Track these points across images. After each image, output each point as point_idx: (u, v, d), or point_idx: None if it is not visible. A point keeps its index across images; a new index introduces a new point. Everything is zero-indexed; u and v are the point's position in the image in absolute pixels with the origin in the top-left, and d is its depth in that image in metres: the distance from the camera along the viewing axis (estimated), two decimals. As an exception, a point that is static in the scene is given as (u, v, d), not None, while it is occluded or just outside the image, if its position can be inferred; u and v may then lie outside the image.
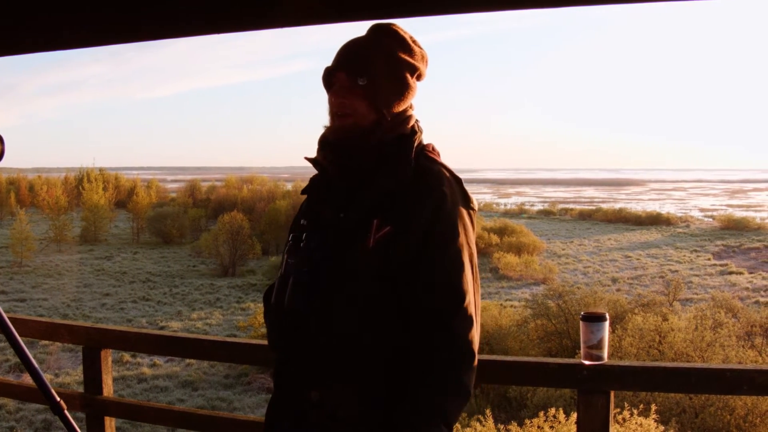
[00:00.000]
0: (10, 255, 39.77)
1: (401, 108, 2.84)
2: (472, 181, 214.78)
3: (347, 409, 2.67)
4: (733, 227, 54.94)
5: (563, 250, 45.44)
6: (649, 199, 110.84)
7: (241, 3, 4.18)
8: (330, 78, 2.80)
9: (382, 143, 2.78)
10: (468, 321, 2.70)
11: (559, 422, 8.34)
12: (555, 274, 35.19)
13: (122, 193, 65.33)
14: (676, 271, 37.28)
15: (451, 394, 2.63)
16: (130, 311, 27.70)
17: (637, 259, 41.61)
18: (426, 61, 2.92)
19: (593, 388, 3.49)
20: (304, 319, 2.74)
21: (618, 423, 8.29)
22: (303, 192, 3.06)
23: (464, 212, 2.80)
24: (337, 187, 2.83)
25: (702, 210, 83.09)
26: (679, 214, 69.26)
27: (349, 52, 2.80)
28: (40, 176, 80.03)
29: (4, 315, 4.17)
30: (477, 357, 2.73)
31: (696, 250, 44.47)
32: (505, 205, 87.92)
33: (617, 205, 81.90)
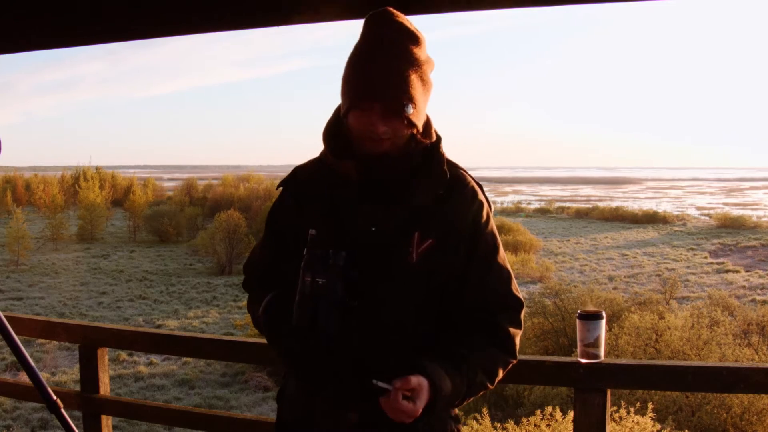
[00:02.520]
0: (6, 254, 39.76)
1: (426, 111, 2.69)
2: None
3: (393, 426, 2.55)
4: (730, 225, 55.02)
5: (560, 248, 45.50)
6: (646, 198, 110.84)
7: (237, 1, 4.19)
8: (364, 102, 2.52)
9: (413, 153, 2.64)
10: (518, 327, 2.71)
11: (556, 420, 8.35)
12: (551, 273, 35.21)
13: (119, 191, 65.29)
14: (673, 269, 37.36)
15: (481, 376, 2.62)
16: (127, 310, 27.73)
17: (634, 257, 41.67)
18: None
19: (590, 387, 3.49)
20: (340, 342, 2.57)
21: (615, 421, 8.30)
22: (283, 185, 2.91)
23: (493, 218, 2.78)
24: (365, 198, 2.64)
25: (699, 208, 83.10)
26: (676, 213, 69.46)
27: (387, 77, 2.51)
28: (36, 175, 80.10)
29: (1, 314, 4.17)
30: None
31: (692, 249, 44.54)
32: (502, 203, 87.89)
33: (614, 204, 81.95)
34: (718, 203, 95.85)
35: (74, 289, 31.67)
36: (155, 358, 19.91)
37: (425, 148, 2.68)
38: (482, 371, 2.62)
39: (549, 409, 8.59)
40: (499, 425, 9.30)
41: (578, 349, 3.51)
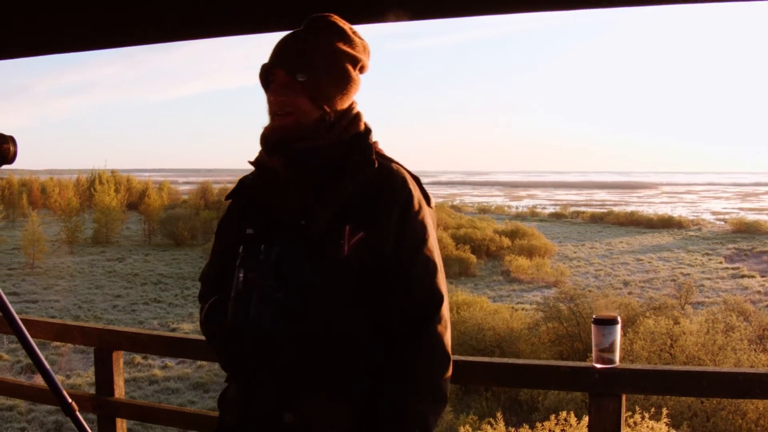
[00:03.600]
0: (22, 256, 39.89)
1: (345, 103, 2.71)
2: (482, 184, 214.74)
3: (330, 427, 2.60)
4: (745, 230, 54.90)
5: (575, 253, 45.47)
6: (661, 202, 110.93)
7: (253, 6, 4.20)
8: (268, 76, 2.66)
9: (338, 144, 2.67)
10: (444, 325, 2.64)
11: (571, 425, 8.34)
12: (566, 277, 35.23)
13: (134, 195, 65.42)
14: (688, 274, 37.29)
15: (430, 401, 2.58)
16: (142, 313, 27.80)
17: (649, 262, 41.62)
18: (368, 52, 2.77)
19: (605, 392, 3.48)
20: (272, 338, 2.58)
21: (629, 426, 8.29)
22: (230, 197, 2.97)
23: (429, 210, 2.75)
24: (294, 192, 2.68)
25: (714, 213, 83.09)
26: (691, 218, 69.30)
27: (286, 47, 2.66)
28: (52, 178, 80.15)
29: (17, 316, 4.19)
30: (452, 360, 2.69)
31: (708, 254, 44.48)
32: (517, 207, 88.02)
33: (629, 208, 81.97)
34: (733, 208, 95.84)
35: (89, 292, 31.76)
36: (170, 362, 19.94)
37: (351, 138, 2.70)
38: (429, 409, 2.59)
39: (563, 414, 8.60)
40: (513, 430, 9.31)
41: (593, 354, 3.50)
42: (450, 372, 2.67)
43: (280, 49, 2.66)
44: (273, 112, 2.63)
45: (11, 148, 4.06)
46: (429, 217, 2.73)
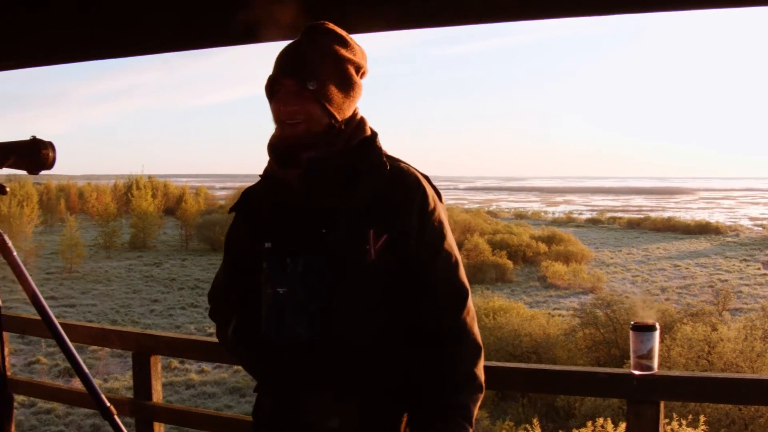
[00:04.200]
0: (60, 261, 40.07)
1: (351, 109, 2.73)
2: (519, 189, 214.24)
3: (372, 429, 2.65)
4: (783, 237, 54.45)
5: (611, 258, 45.22)
6: (698, 208, 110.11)
7: (291, 14, 4.21)
8: (274, 86, 2.65)
9: (348, 149, 2.69)
10: (472, 316, 2.72)
11: (607, 432, 8.30)
12: (603, 283, 34.98)
13: (171, 200, 65.57)
14: (726, 280, 36.98)
15: (469, 391, 2.63)
16: (179, 317, 27.84)
17: (686, 268, 41.31)
18: (366, 58, 2.79)
19: (643, 399, 3.47)
20: (310, 348, 2.60)
21: (667, 434, 8.23)
22: (236, 209, 2.96)
23: (442, 206, 2.79)
24: (311, 202, 2.67)
25: (752, 219, 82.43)
26: (729, 223, 68.81)
27: (292, 56, 2.64)
28: (89, 183, 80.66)
29: (56, 320, 4.21)
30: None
31: (746, 260, 44.12)
32: (553, 213, 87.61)
33: (666, 214, 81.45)
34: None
35: (126, 297, 31.86)
36: (206, 366, 19.98)
37: (360, 143, 2.72)
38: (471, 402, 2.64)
39: (600, 420, 8.56)
40: (549, 436, 9.28)
41: (631, 361, 3.49)
42: (483, 360, 2.71)
43: (286, 58, 2.64)
44: (281, 121, 2.62)
45: (50, 154, 4.09)
46: (444, 213, 2.78)
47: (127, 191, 61.97)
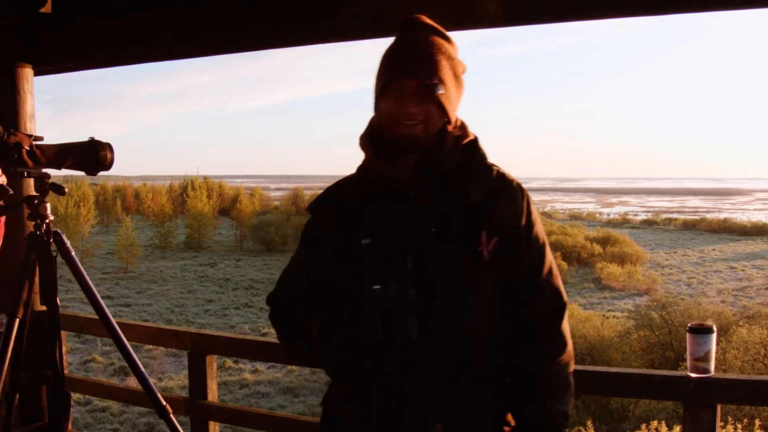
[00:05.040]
0: (116, 261, 40.42)
1: (458, 108, 2.69)
2: (574, 190, 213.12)
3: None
4: (842, 238, 53.80)
5: (667, 260, 44.86)
6: (755, 209, 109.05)
7: (344, 14, 4.23)
8: (390, 84, 2.56)
9: (456, 150, 2.65)
10: (567, 322, 2.75)
11: (662, 435, 8.25)
12: (658, 285, 34.73)
13: (226, 200, 65.81)
14: (783, 282, 36.61)
15: (567, 396, 2.68)
16: (233, 317, 27.95)
17: (743, 270, 40.90)
18: None
19: (700, 402, 3.44)
20: (419, 349, 2.52)
21: (723, 437, 8.16)
22: (320, 207, 2.87)
23: (538, 212, 2.81)
24: (421, 200, 2.62)
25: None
26: (787, 225, 67.96)
27: (412, 55, 2.56)
28: (145, 184, 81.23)
29: (113, 321, 4.26)
30: None
31: (803, 261, 43.63)
32: (608, 214, 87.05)
33: (722, 215, 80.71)
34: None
35: (181, 297, 32.06)
36: (260, 366, 20.06)
37: (466, 145, 2.69)
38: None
39: (655, 423, 8.51)
40: (604, 439, 9.24)
41: (688, 363, 3.46)
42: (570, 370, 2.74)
43: (405, 57, 2.58)
44: (399, 120, 2.56)
45: (108, 155, 4.14)
46: (540, 219, 2.79)
47: (182, 192, 62.38)
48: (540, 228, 2.77)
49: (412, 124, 2.54)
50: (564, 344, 2.71)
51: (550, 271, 2.75)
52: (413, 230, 2.59)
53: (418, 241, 2.57)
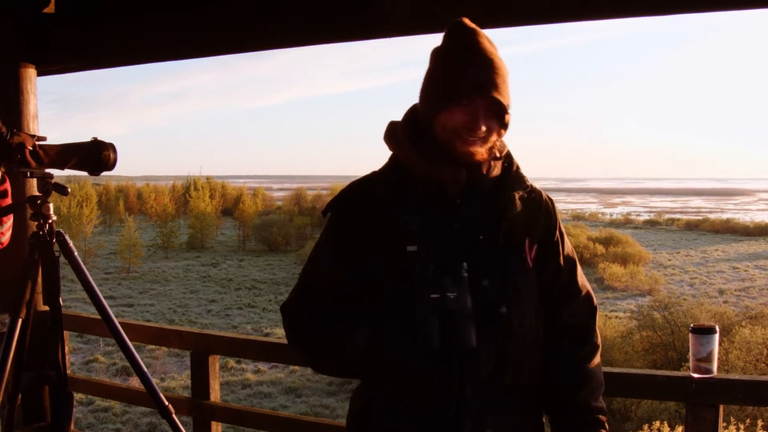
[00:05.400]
0: (118, 261, 40.47)
1: None
2: (576, 191, 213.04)
3: None
4: None
5: (669, 260, 44.82)
6: (758, 210, 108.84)
7: (350, 13, 4.24)
8: (467, 96, 2.46)
9: (498, 160, 2.64)
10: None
11: (665, 435, 8.25)
12: (661, 285, 34.68)
13: (228, 201, 65.84)
14: (786, 282, 36.58)
15: (601, 394, 2.75)
16: (236, 318, 27.96)
17: (745, 270, 40.85)
18: None
19: (702, 402, 3.45)
20: (478, 356, 2.50)
21: (725, 437, 8.16)
22: (351, 212, 2.68)
23: None
24: (471, 208, 2.58)
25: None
26: (790, 225, 67.87)
27: (494, 75, 2.48)
28: (148, 184, 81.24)
29: (116, 320, 4.27)
30: None
31: (806, 262, 43.59)
32: (611, 214, 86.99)
33: (725, 216, 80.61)
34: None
35: (184, 297, 32.08)
36: (263, 366, 20.07)
37: (505, 156, 2.70)
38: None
39: (657, 423, 8.51)
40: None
41: (690, 364, 3.47)
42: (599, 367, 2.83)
43: (484, 75, 2.48)
44: (462, 135, 2.50)
45: (111, 155, 4.15)
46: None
47: (185, 192, 62.37)
48: (567, 238, 2.84)
49: (473, 140, 2.51)
50: (598, 345, 2.80)
51: (583, 277, 2.84)
52: (461, 238, 2.57)
53: (469, 249, 2.56)
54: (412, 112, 2.70)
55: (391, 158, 2.73)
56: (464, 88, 2.48)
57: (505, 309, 2.54)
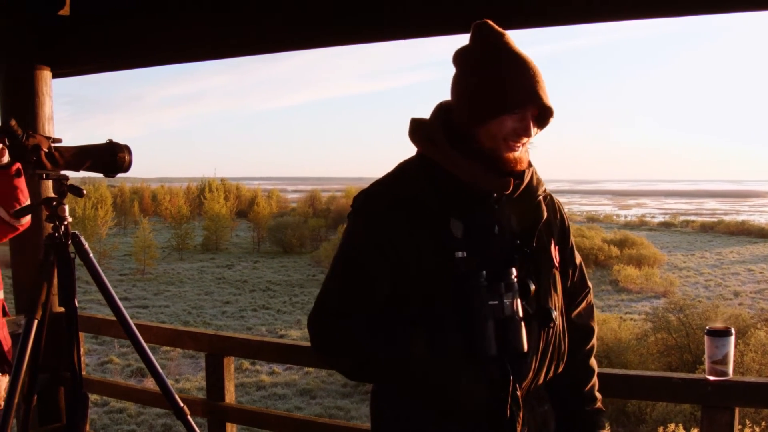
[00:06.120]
0: (133, 262, 40.52)
1: None
2: (591, 192, 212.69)
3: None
4: None
5: (684, 262, 44.68)
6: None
7: (369, 13, 4.24)
8: (520, 105, 2.44)
9: (532, 167, 2.66)
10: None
11: (680, 438, 8.23)
12: (676, 287, 34.59)
13: (243, 202, 65.88)
14: (801, 284, 36.43)
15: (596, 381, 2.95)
16: (250, 319, 27.98)
17: (760, 272, 40.69)
18: None
19: (718, 404, 3.44)
20: (527, 359, 2.54)
21: (741, 440, 8.14)
22: (388, 213, 2.53)
23: None
24: (511, 214, 2.62)
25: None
26: (805, 227, 67.59)
27: (540, 83, 2.47)
28: (163, 186, 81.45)
29: (131, 322, 4.28)
30: None
31: (822, 264, 43.42)
32: (626, 216, 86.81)
33: (740, 218, 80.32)
34: None
35: (198, 298, 32.11)
36: (277, 368, 20.07)
37: (529, 163, 2.68)
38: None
39: (672, 426, 8.49)
40: (621, 441, 9.23)
41: (706, 366, 3.46)
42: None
43: (532, 84, 2.46)
44: (509, 143, 2.49)
45: (126, 157, 4.16)
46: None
47: (199, 194, 62.48)
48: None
49: (519, 146, 2.52)
50: (593, 351, 2.97)
51: (582, 269, 2.95)
52: (502, 243, 2.58)
53: (512, 254, 2.57)
54: (444, 114, 2.60)
55: (421, 158, 2.63)
56: (522, 98, 2.45)
57: (555, 312, 2.62)
